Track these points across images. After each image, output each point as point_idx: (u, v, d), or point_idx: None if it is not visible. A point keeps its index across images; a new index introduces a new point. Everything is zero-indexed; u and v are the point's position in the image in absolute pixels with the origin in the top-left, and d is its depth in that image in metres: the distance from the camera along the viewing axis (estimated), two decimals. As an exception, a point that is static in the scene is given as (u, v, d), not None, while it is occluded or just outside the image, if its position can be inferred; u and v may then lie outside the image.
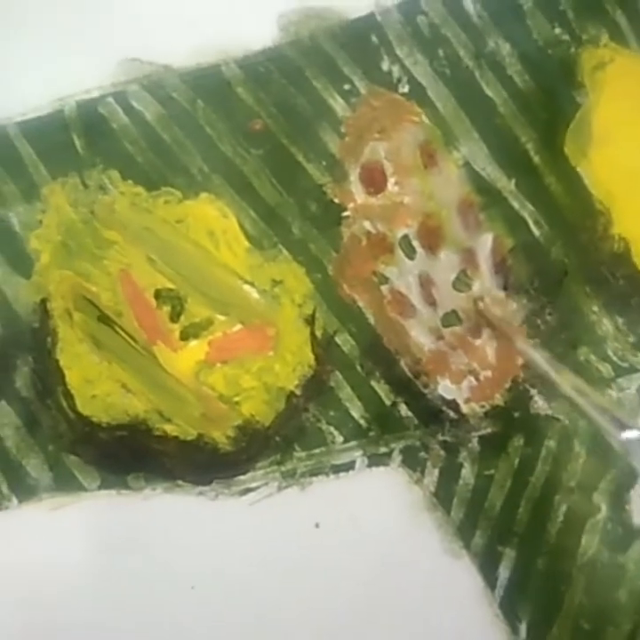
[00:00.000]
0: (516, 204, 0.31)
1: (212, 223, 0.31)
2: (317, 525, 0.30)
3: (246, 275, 0.31)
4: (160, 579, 0.30)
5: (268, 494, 0.30)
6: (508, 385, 0.31)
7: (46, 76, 0.31)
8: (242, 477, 0.30)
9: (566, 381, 0.23)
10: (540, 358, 0.25)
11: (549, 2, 0.31)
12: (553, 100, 0.31)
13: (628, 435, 0.20)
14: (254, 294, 0.30)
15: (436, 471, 0.31)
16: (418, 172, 0.31)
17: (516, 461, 0.31)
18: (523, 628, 0.30)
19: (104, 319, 0.30)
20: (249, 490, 0.30)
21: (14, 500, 0.30)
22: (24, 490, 0.30)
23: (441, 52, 0.31)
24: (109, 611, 0.29)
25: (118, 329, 0.30)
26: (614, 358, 0.31)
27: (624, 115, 0.31)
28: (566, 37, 0.31)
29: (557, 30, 0.31)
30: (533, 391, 0.31)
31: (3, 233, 0.31)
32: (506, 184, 0.31)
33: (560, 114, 0.31)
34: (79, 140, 0.31)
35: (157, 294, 0.30)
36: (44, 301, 0.30)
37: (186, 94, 0.31)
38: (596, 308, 0.31)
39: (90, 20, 0.31)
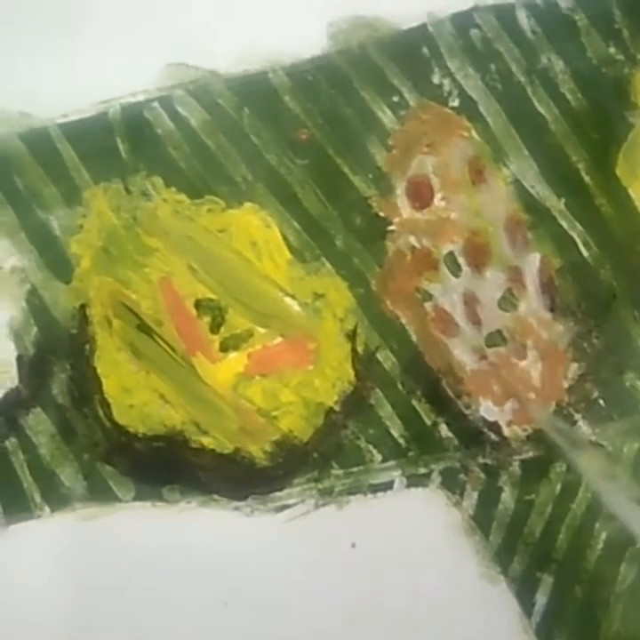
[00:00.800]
0: (565, 224, 0.31)
1: (255, 233, 0.31)
2: (354, 545, 0.30)
3: (288, 287, 0.31)
4: (193, 593, 0.30)
5: (305, 512, 0.30)
6: (551, 408, 0.31)
7: (91, 77, 0.31)
8: (278, 494, 0.30)
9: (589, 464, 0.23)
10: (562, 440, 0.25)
11: (604, 20, 0.31)
12: (605, 120, 0.31)
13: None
14: (295, 307, 0.31)
15: (476, 494, 0.31)
16: (465, 188, 0.31)
17: (558, 487, 0.31)
18: None
19: (143, 328, 0.30)
20: (285, 506, 0.30)
21: (47, 509, 0.30)
22: (57, 499, 0.30)
23: (493, 67, 0.31)
24: (140, 623, 0.30)
25: (157, 338, 0.30)
26: None
27: None
28: (621, 57, 0.31)
29: (612, 49, 0.31)
30: (578, 416, 0.31)
31: (43, 237, 0.31)
32: (555, 203, 0.31)
33: (612, 134, 0.31)
34: (123, 145, 0.31)
35: (198, 304, 0.30)
36: (83, 307, 0.30)
37: (232, 101, 0.31)
38: None
39: (137, 23, 0.31)
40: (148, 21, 0.31)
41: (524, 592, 0.30)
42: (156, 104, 0.31)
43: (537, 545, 0.31)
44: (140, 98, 0.31)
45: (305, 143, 0.31)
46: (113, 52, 0.31)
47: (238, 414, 0.30)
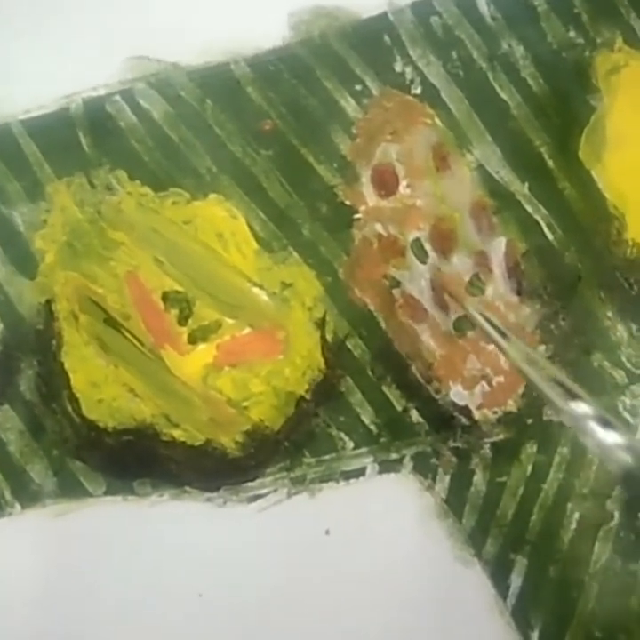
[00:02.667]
0: (529, 208, 0.33)
1: (221, 224, 0.32)
2: (328, 532, 0.31)
3: (255, 277, 0.32)
4: (167, 586, 0.31)
5: (278, 501, 0.31)
6: (520, 391, 0.32)
7: (52, 72, 0.32)
8: (251, 484, 0.31)
9: (515, 350, 0.24)
10: (488, 327, 0.26)
11: (564, 4, 0.32)
12: (567, 104, 0.32)
13: (576, 407, 0.21)
14: (263, 297, 0.32)
15: (448, 478, 0.32)
16: (430, 175, 0.33)
17: (529, 468, 0.32)
18: (535, 636, 0.31)
19: (110, 322, 0.31)
20: (258, 496, 0.31)
21: (17, 506, 0.31)
22: (27, 496, 0.31)
23: (454, 54, 0.33)
24: (114, 618, 0.31)
25: (125, 332, 0.31)
26: (628, 365, 0.32)
27: (638, 119, 0.33)
28: (581, 41, 0.33)
29: (572, 33, 0.33)
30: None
31: (6, 232, 0.32)
32: (519, 188, 0.32)
33: (574, 117, 0.32)
34: (85, 139, 0.32)
35: (165, 297, 0.31)
36: (48, 303, 0.31)
37: (194, 93, 0.32)
38: (610, 314, 0.32)
39: (97, 17, 0.32)
40: (108, 15, 0.32)
41: (499, 574, 0.32)
42: (117, 97, 0.32)
43: (510, 526, 0.32)
44: (102, 92, 0.32)
45: (269, 133, 0.32)
46: (74, 46, 0.32)
47: (208, 405, 0.31)
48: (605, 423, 0.20)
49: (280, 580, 0.31)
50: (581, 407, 0.21)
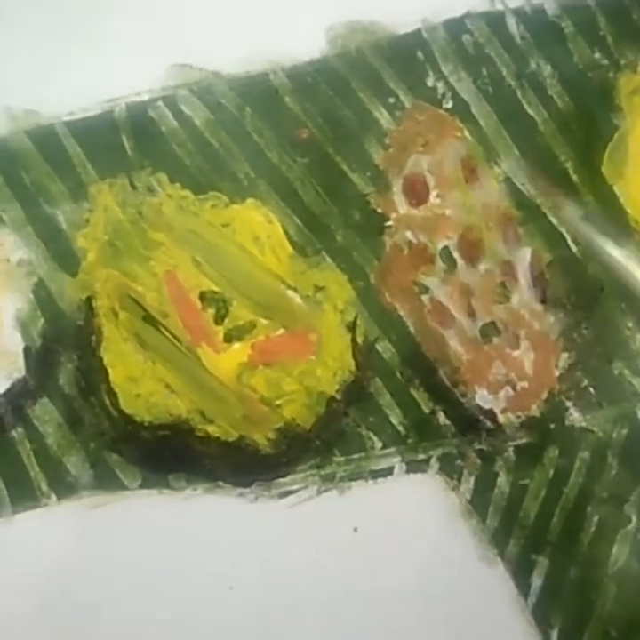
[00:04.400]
0: (554, 220, 0.34)
1: (258, 228, 0.33)
2: (356, 529, 0.32)
3: (290, 280, 0.33)
4: (199, 579, 0.32)
5: (308, 498, 0.33)
6: (544, 396, 0.34)
7: (96, 77, 0.33)
8: (282, 480, 0.33)
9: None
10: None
11: (590, 27, 0.34)
12: (591, 122, 0.34)
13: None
14: (297, 299, 0.33)
15: (472, 479, 0.33)
16: (459, 186, 0.34)
17: (551, 472, 0.33)
18: (554, 634, 0.33)
19: (149, 319, 0.33)
20: (289, 492, 0.33)
21: (54, 497, 0.32)
22: (64, 487, 0.32)
23: (484, 71, 0.35)
24: (147, 609, 0.32)
25: (163, 329, 0.33)
26: None
27: None
28: (605, 62, 0.35)
29: (597, 55, 0.35)
30: (569, 403, 0.34)
31: (50, 231, 0.33)
32: (545, 200, 0.34)
33: (598, 135, 0.34)
34: (128, 142, 0.33)
35: (202, 296, 0.33)
36: (89, 299, 0.33)
37: (234, 101, 0.34)
38: (630, 325, 0.34)
39: (142, 25, 0.34)
40: (152, 23, 0.34)
41: (521, 574, 0.33)
42: (160, 103, 0.34)
43: (532, 528, 0.33)
44: (145, 97, 0.34)
45: (305, 142, 0.34)
46: (118, 52, 0.33)
47: (242, 403, 0.33)
48: None
49: (308, 575, 0.32)
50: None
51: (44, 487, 0.32)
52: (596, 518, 0.33)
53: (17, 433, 0.32)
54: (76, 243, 0.33)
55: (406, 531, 0.33)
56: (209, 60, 0.34)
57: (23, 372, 0.32)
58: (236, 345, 0.32)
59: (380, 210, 0.34)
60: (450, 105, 0.35)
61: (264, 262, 0.33)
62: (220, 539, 0.32)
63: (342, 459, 0.33)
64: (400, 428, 0.33)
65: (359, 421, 0.33)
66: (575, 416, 0.34)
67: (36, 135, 0.33)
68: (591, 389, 0.34)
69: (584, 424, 0.34)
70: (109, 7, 0.34)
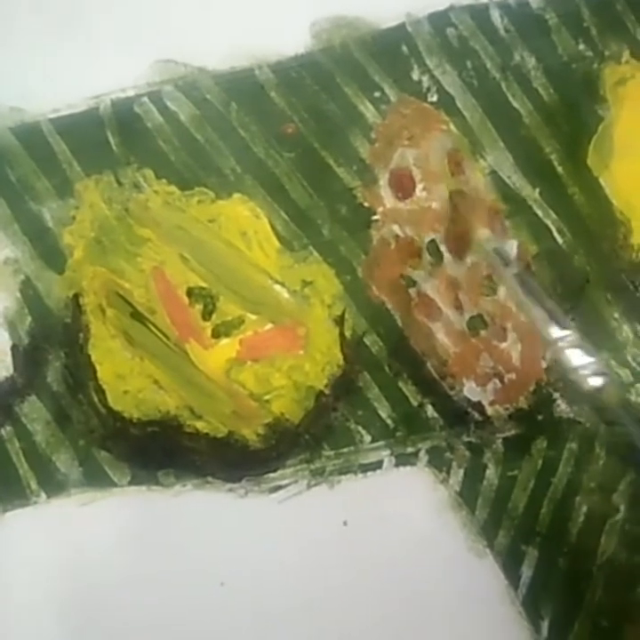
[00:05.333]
0: (540, 213, 0.34)
1: (244, 223, 0.33)
2: (345, 523, 0.33)
3: (277, 275, 0.33)
4: (189, 575, 0.33)
5: (298, 492, 0.33)
6: (531, 388, 0.34)
7: (82, 73, 0.33)
8: (271, 475, 0.33)
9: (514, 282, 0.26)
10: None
11: (574, 19, 0.35)
12: (576, 113, 0.35)
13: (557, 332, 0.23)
14: (285, 294, 0.33)
15: (461, 471, 0.33)
16: (445, 179, 0.35)
17: (539, 463, 0.34)
18: (545, 625, 0.33)
19: (137, 316, 0.33)
20: (278, 487, 0.33)
21: (43, 495, 0.32)
22: (53, 485, 0.32)
23: (469, 64, 0.35)
24: (138, 606, 0.32)
25: (151, 326, 0.33)
26: (633, 364, 0.34)
27: None
28: (589, 53, 0.35)
29: (581, 46, 0.35)
30: (556, 395, 0.34)
31: (36, 228, 0.33)
32: (530, 193, 0.34)
33: (583, 126, 0.34)
34: (114, 138, 0.33)
35: (190, 292, 0.33)
36: (76, 297, 0.33)
37: (220, 96, 0.34)
38: (616, 315, 0.34)
39: (127, 21, 0.34)
40: (137, 20, 0.34)
41: (510, 564, 0.33)
42: (145, 99, 0.34)
43: (521, 519, 0.33)
44: (130, 93, 0.34)
45: (291, 137, 0.34)
46: (104, 49, 0.33)
47: (231, 398, 0.33)
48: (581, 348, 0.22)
49: (299, 569, 0.32)
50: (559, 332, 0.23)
51: (34, 485, 0.32)
52: (584, 508, 0.34)
53: (5, 431, 0.32)
54: (62, 240, 0.33)
55: (396, 523, 0.33)
56: (194, 56, 0.34)
57: (11, 371, 0.32)
58: (224, 340, 0.33)
59: (366, 204, 0.34)
60: (435, 98, 0.35)
61: (251, 257, 0.33)
62: (211, 534, 0.32)
63: (331, 453, 0.33)
64: (389, 422, 0.34)
65: (348, 415, 0.34)
66: (563, 407, 0.34)
67: (22, 132, 0.33)
68: None
69: (572, 415, 0.34)
70: (95, 5, 0.34)
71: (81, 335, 0.32)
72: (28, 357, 0.32)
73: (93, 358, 0.32)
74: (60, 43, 0.34)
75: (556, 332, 0.25)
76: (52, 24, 0.33)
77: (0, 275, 0.32)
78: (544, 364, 0.34)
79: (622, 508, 0.34)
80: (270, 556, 0.32)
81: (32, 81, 0.33)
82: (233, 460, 0.32)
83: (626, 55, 0.35)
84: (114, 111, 0.33)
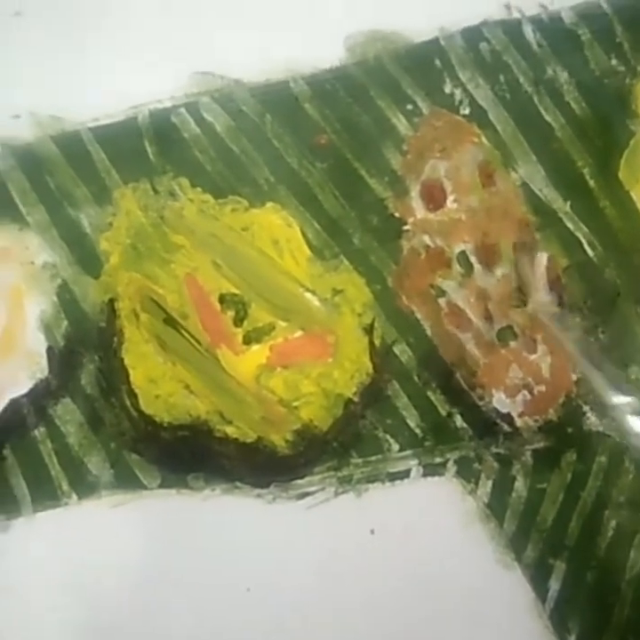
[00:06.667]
0: (571, 226, 0.35)
1: (277, 232, 0.34)
2: (373, 532, 0.33)
3: (308, 283, 0.34)
4: (216, 580, 0.33)
5: (325, 499, 0.33)
6: (561, 400, 0.34)
7: (121, 84, 0.34)
8: (299, 481, 0.33)
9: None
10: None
11: (606, 34, 0.35)
12: (608, 128, 0.35)
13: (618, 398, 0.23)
14: (315, 302, 0.34)
15: (490, 483, 0.33)
16: (476, 191, 0.35)
17: (569, 476, 0.34)
18: (572, 639, 0.33)
19: (170, 321, 0.34)
20: (306, 494, 0.33)
21: (74, 497, 0.33)
22: (84, 487, 0.33)
23: (502, 78, 0.35)
24: (165, 609, 0.33)
25: (183, 331, 0.34)
26: None
27: None
28: (622, 68, 0.35)
29: (614, 61, 0.35)
30: (586, 407, 0.34)
31: (73, 234, 0.34)
32: (562, 206, 0.35)
33: (615, 141, 0.35)
34: (151, 148, 0.34)
35: (222, 299, 0.34)
36: (111, 301, 0.33)
37: (255, 108, 0.35)
38: None
39: (165, 34, 0.35)
40: (176, 33, 0.35)
41: (538, 578, 0.33)
42: (182, 110, 0.35)
43: (549, 532, 0.33)
44: (168, 104, 0.34)
45: (324, 148, 0.35)
46: (142, 60, 0.34)
47: (261, 404, 0.33)
48: None
49: (325, 577, 0.32)
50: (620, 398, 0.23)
51: (65, 486, 0.33)
52: (613, 523, 0.34)
53: (39, 432, 0.33)
54: (99, 246, 0.34)
55: (423, 534, 0.33)
56: (230, 69, 0.35)
57: (46, 373, 0.32)
58: (255, 347, 0.33)
59: (397, 214, 0.35)
60: (467, 111, 0.35)
61: (283, 265, 0.34)
62: (238, 540, 0.32)
63: (359, 461, 0.34)
64: (417, 431, 0.34)
65: (376, 424, 0.34)
66: (593, 420, 0.34)
67: (62, 140, 0.34)
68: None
69: (601, 428, 0.34)
70: (134, 17, 0.35)
71: (115, 339, 0.33)
72: (63, 360, 0.33)
73: (126, 362, 0.33)
74: (100, 54, 0.35)
75: (616, 397, 0.26)
76: (94, 35, 0.35)
77: (38, 279, 0.33)
78: (574, 377, 0.34)
79: (653, 523, 0.32)
80: (297, 562, 0.33)
81: (73, 91, 0.34)
82: (261, 465, 0.33)
83: (658, 70, 0.34)
84: (151, 121, 0.34)
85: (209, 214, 0.34)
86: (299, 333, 0.33)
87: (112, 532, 0.32)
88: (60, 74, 0.34)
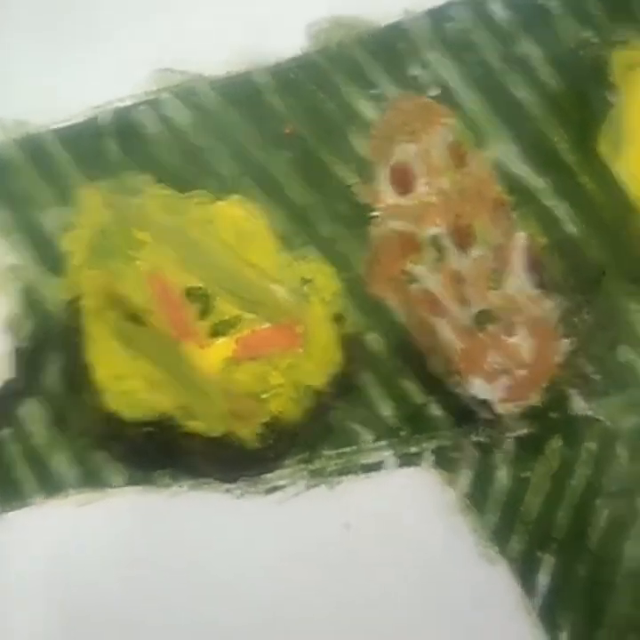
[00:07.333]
0: (548, 203, 0.40)
1: (242, 224, 0.40)
2: (347, 526, 0.38)
3: (275, 274, 0.40)
4: (187, 577, 0.38)
5: (296, 493, 0.38)
6: (544, 384, 0.39)
7: (81, 85, 0.42)
8: (269, 475, 0.39)
9: None
10: None
11: (578, 5, 0.41)
12: (585, 101, 0.40)
13: None
14: (283, 293, 0.40)
15: (470, 473, 0.38)
16: (448, 172, 0.41)
17: (555, 464, 0.38)
18: (563, 636, 0.37)
19: (134, 317, 0.40)
20: (276, 488, 0.39)
21: (41, 496, 0.39)
22: (51, 485, 0.39)
23: (470, 57, 0.41)
24: (134, 606, 0.38)
25: (148, 327, 0.40)
26: None
27: None
28: (596, 40, 0.41)
29: (587, 33, 0.41)
30: (572, 391, 0.39)
31: (37, 235, 0.41)
32: (538, 183, 0.40)
33: (592, 114, 0.40)
34: (113, 146, 0.41)
35: (187, 293, 0.40)
36: (75, 300, 0.40)
37: (217, 101, 0.42)
38: (635, 307, 0.39)
39: (124, 32, 0.42)
40: (134, 30, 0.42)
41: (525, 572, 0.38)
42: (144, 107, 0.42)
43: (535, 524, 0.38)
44: (129, 102, 0.42)
45: (289, 137, 0.41)
46: (102, 60, 0.42)
47: (228, 398, 0.39)
48: None
49: (298, 572, 0.37)
50: None
51: (32, 486, 0.40)
52: (605, 513, 0.38)
53: (5, 433, 0.40)
54: (62, 245, 0.41)
55: (400, 527, 0.38)
56: (191, 63, 0.42)
57: (12, 374, 0.40)
58: (221, 340, 0.39)
59: (365, 200, 0.41)
60: (436, 93, 0.41)
61: (249, 257, 0.40)
62: (208, 536, 0.38)
63: (332, 453, 0.39)
64: (391, 421, 0.39)
65: (348, 414, 0.39)
66: (579, 404, 0.39)
67: (25, 143, 0.42)
68: (595, 376, 0.39)
69: (589, 413, 0.39)
70: (92, 17, 0.43)
71: (80, 337, 0.40)
72: (29, 361, 0.40)
73: (92, 359, 0.39)
74: (60, 56, 0.42)
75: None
76: (53, 38, 0.42)
77: (2, 281, 0.41)
78: (557, 359, 0.39)
79: (648, 512, 0.36)
80: (268, 558, 0.38)
81: (35, 94, 0.42)
82: (229, 460, 0.38)
83: (634, 40, 0.41)
84: (113, 120, 0.42)
85: (173, 209, 0.41)
86: (266, 325, 0.39)
87: (80, 531, 0.38)
88: (23, 78, 0.42)
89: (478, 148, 0.41)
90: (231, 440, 0.39)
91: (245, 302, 0.40)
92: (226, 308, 0.40)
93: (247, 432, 0.39)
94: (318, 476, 0.39)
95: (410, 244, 0.41)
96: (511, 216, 0.41)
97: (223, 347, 0.40)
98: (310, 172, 0.41)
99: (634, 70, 0.41)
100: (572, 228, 0.40)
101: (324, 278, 0.40)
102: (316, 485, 0.39)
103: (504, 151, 0.41)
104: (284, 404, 0.39)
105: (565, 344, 0.40)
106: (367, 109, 0.41)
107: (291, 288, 0.40)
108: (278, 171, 0.41)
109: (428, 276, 0.40)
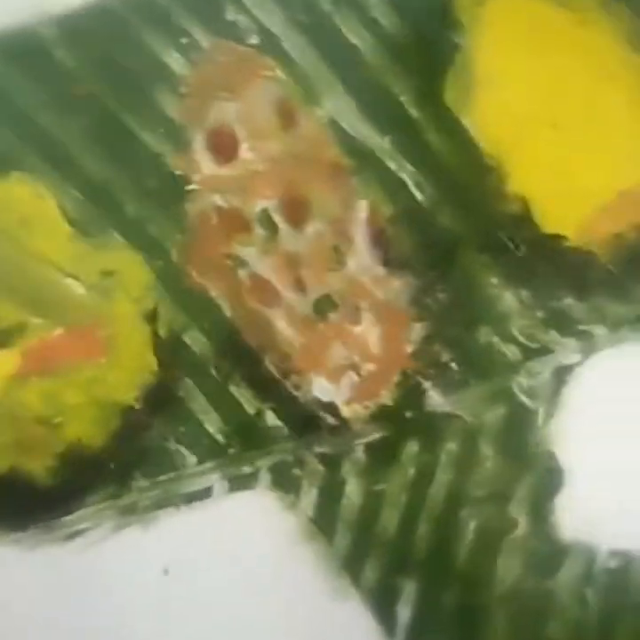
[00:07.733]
0: (392, 165, 0.30)
1: (25, 207, 0.29)
2: (166, 572, 0.28)
3: (68, 267, 0.29)
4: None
5: (102, 537, 0.28)
6: (396, 379, 0.29)
7: None
8: (68, 518, 0.28)
9: None
10: None
11: None
12: (427, 44, 0.30)
13: None
14: (79, 290, 0.29)
15: (315, 491, 0.29)
16: (275, 135, 0.30)
17: (411, 471, 0.29)
18: None
19: None
20: (77, 533, 0.28)
21: None
22: None
23: None
24: None
25: None
26: (521, 338, 0.30)
27: (510, 55, 0.30)
28: None
29: None
30: (427, 384, 0.30)
31: None
32: (379, 143, 0.30)
33: (436, 58, 0.30)
34: None
35: (-45, 297, 0.27)
36: None
37: None
38: (495, 281, 0.30)
39: None
40: None
41: (383, 603, 0.28)
42: None
43: (393, 545, 0.29)
44: None
45: (82, 100, 0.30)
46: None
47: (12, 425, 0.28)
48: None
49: (107, 633, 0.25)
50: None
51: None
52: (472, 524, 0.28)
53: None
54: None
55: (233, 565, 0.27)
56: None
57: None
58: (2, 353, 0.28)
59: (179, 172, 0.30)
60: (256, 41, 0.30)
61: (34, 247, 0.29)
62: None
63: (146, 483, 0.29)
64: (218, 437, 0.29)
65: (166, 434, 0.29)
66: (436, 400, 0.29)
67: None
68: (453, 364, 0.29)
69: (448, 408, 0.29)
70: None
71: None
72: None
73: None
74: None
75: None
76: None
77: None
78: (409, 348, 0.30)
79: (522, 520, 0.28)
80: (72, 619, 0.27)
81: None
82: (16, 503, 0.27)
83: (482, -30, 0.34)
84: None
85: (-64, 193, 0.30)
86: (59, 331, 0.29)
87: None
88: None
89: (309, 105, 0.30)
90: (18, 477, 0.27)
91: (31, 304, 0.28)
92: (6, 312, 0.28)
93: (37, 466, 0.28)
94: (129, 513, 0.28)
95: (235, 222, 0.30)
96: (351, 183, 0.30)
97: (5, 362, 0.28)
98: (109, 140, 0.29)
99: (482, 5, 0.31)
100: (419, 193, 0.30)
101: (131, 269, 0.29)
102: (126, 525, 0.28)
103: (339, 107, 0.30)
104: (84, 428, 0.28)
105: (418, 329, 0.30)
106: (176, 62, 0.30)
107: (89, 283, 0.29)
108: (70, 140, 0.29)
109: (257, 260, 0.29)
